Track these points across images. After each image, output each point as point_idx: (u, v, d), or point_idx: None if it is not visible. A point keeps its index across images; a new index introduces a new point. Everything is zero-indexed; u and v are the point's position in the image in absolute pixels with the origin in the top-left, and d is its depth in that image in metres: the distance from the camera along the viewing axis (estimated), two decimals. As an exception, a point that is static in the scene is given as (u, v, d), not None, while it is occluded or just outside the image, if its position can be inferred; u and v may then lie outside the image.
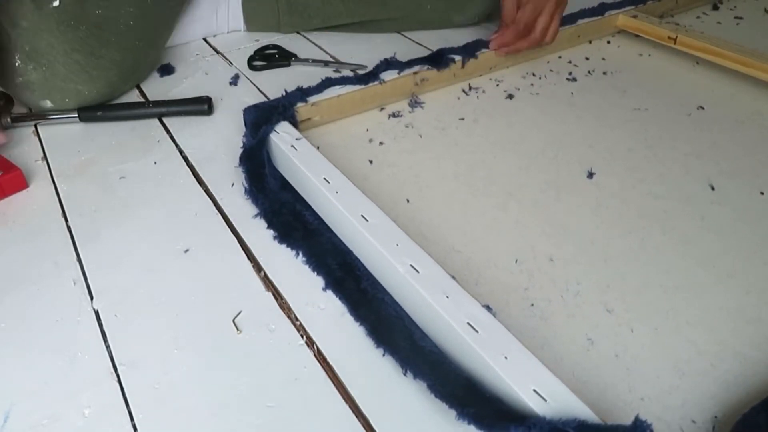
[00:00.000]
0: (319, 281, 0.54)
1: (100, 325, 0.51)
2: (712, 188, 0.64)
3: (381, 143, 0.72)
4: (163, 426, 0.44)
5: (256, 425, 0.43)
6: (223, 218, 0.62)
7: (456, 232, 0.59)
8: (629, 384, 0.46)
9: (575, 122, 0.76)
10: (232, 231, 0.60)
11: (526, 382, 0.41)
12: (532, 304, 0.52)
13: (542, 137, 0.73)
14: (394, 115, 0.77)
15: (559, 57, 0.90)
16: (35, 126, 0.77)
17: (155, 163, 0.70)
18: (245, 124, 0.71)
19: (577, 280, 0.54)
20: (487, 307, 0.46)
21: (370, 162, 0.69)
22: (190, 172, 0.69)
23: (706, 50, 0.85)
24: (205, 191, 0.66)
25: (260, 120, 0.69)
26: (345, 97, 0.74)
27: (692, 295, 0.53)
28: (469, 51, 0.82)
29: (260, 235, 0.59)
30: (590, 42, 0.95)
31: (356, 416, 0.44)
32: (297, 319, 0.51)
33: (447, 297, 0.46)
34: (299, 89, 0.73)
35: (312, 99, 0.72)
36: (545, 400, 0.40)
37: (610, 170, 0.67)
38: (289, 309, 0.52)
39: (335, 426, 0.43)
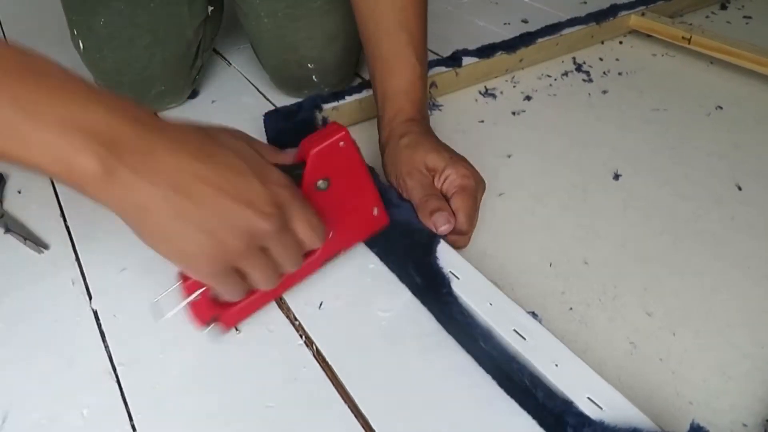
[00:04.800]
0: (319, 282, 0.53)
1: (99, 325, 0.51)
2: (739, 188, 0.64)
3: (402, 147, 0.72)
4: (161, 426, 0.44)
5: (255, 425, 0.43)
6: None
7: (487, 237, 0.59)
8: (676, 388, 0.45)
9: (596, 123, 0.76)
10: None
11: (579, 389, 0.40)
12: (571, 308, 0.51)
13: (564, 139, 0.73)
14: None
15: (573, 58, 0.90)
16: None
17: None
18: (266, 130, 0.70)
19: (614, 283, 0.54)
20: (533, 314, 0.45)
21: (394, 166, 0.69)
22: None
23: (722, 50, 0.85)
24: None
25: (280, 125, 0.68)
26: (365, 101, 0.73)
27: (730, 296, 0.52)
28: (486, 52, 0.82)
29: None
30: (602, 42, 0.94)
31: (355, 416, 0.44)
32: (296, 319, 0.51)
33: (490, 304, 0.46)
34: (318, 96, 0.72)
35: (332, 103, 0.71)
36: (601, 408, 0.39)
37: (636, 171, 0.67)
38: (288, 309, 0.52)
39: (334, 426, 0.43)
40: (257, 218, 0.38)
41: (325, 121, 0.67)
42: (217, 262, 0.38)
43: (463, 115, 0.77)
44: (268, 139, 0.71)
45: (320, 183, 0.46)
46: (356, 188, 0.49)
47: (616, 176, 0.66)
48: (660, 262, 0.56)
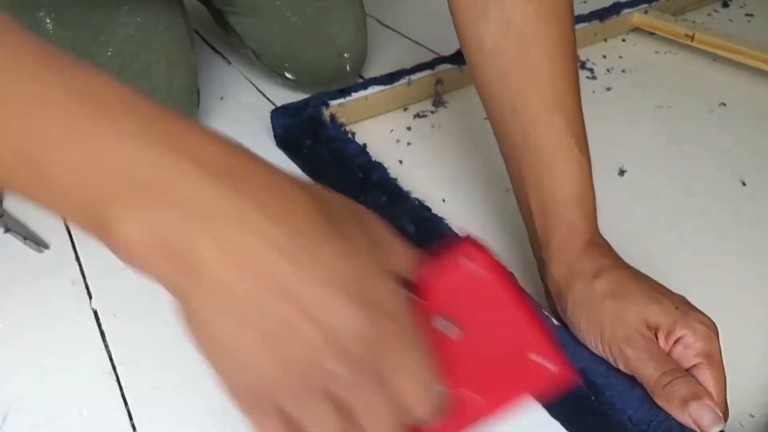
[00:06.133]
0: None
1: (99, 325, 0.51)
2: (744, 184, 0.65)
3: (409, 143, 0.72)
4: (162, 426, 0.44)
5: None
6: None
7: (494, 229, 0.59)
8: (684, 380, 0.46)
9: (600, 120, 0.76)
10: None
11: (590, 380, 0.41)
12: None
13: (569, 135, 0.73)
14: (418, 116, 0.77)
15: (577, 55, 0.90)
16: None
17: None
18: (273, 127, 0.71)
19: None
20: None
21: (400, 162, 0.69)
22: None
23: (724, 47, 0.85)
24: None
25: (287, 122, 0.69)
26: (371, 98, 0.74)
27: (736, 291, 0.53)
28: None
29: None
30: (605, 40, 0.95)
31: None
32: None
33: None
34: (325, 93, 0.72)
35: (339, 100, 0.72)
36: (611, 398, 0.40)
37: (641, 168, 0.67)
38: None
39: None
40: (329, 354, 0.24)
41: (333, 118, 0.67)
42: (255, 390, 0.25)
43: (468, 112, 0.78)
44: (275, 136, 0.71)
45: (443, 322, 0.30)
46: (508, 333, 0.31)
47: (622, 172, 0.67)
48: (665, 258, 0.56)
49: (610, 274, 0.42)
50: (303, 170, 0.67)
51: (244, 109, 0.80)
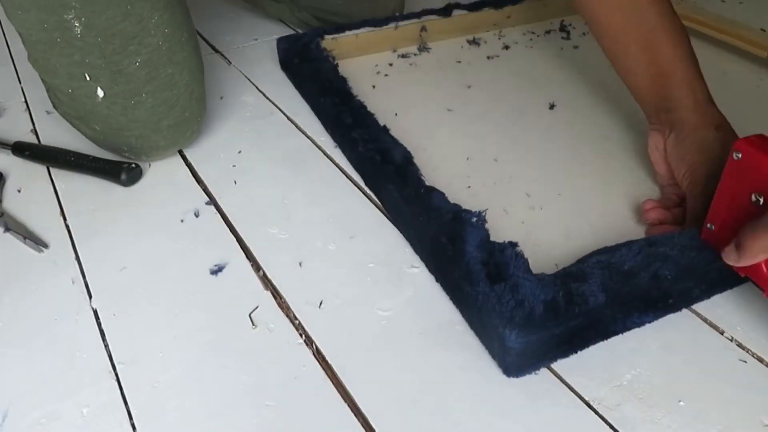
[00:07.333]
0: (319, 281, 0.56)
1: (99, 324, 0.52)
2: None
3: (386, 75, 0.88)
4: (161, 425, 0.44)
5: (255, 424, 0.44)
6: (222, 217, 0.62)
7: (426, 136, 0.74)
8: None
9: (555, 68, 0.88)
10: (230, 230, 0.61)
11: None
12: (469, 186, 0.66)
13: (522, 77, 0.86)
14: (403, 56, 0.92)
15: (562, 21, 1.02)
16: (33, 125, 0.78)
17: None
18: (277, 51, 0.88)
19: (510, 174, 0.68)
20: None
21: (373, 87, 0.84)
22: (189, 172, 0.69)
23: (683, 17, 0.94)
24: (203, 190, 0.66)
25: (287, 47, 0.86)
26: (361, 36, 0.90)
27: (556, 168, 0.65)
28: (476, 6, 0.96)
29: (259, 233, 0.60)
30: (595, 11, 1.05)
31: (355, 415, 0.45)
32: (296, 318, 0.52)
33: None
34: (321, 28, 0.89)
35: (332, 35, 0.88)
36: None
37: (570, 105, 0.80)
38: (288, 308, 0.53)
39: (334, 424, 0.44)
40: None
41: (318, 44, 0.83)
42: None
43: (446, 57, 0.92)
44: (279, 60, 0.89)
45: None
46: None
47: (552, 106, 0.79)
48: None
49: (724, 129, 0.58)
50: (294, 85, 0.84)
51: (244, 109, 0.81)
